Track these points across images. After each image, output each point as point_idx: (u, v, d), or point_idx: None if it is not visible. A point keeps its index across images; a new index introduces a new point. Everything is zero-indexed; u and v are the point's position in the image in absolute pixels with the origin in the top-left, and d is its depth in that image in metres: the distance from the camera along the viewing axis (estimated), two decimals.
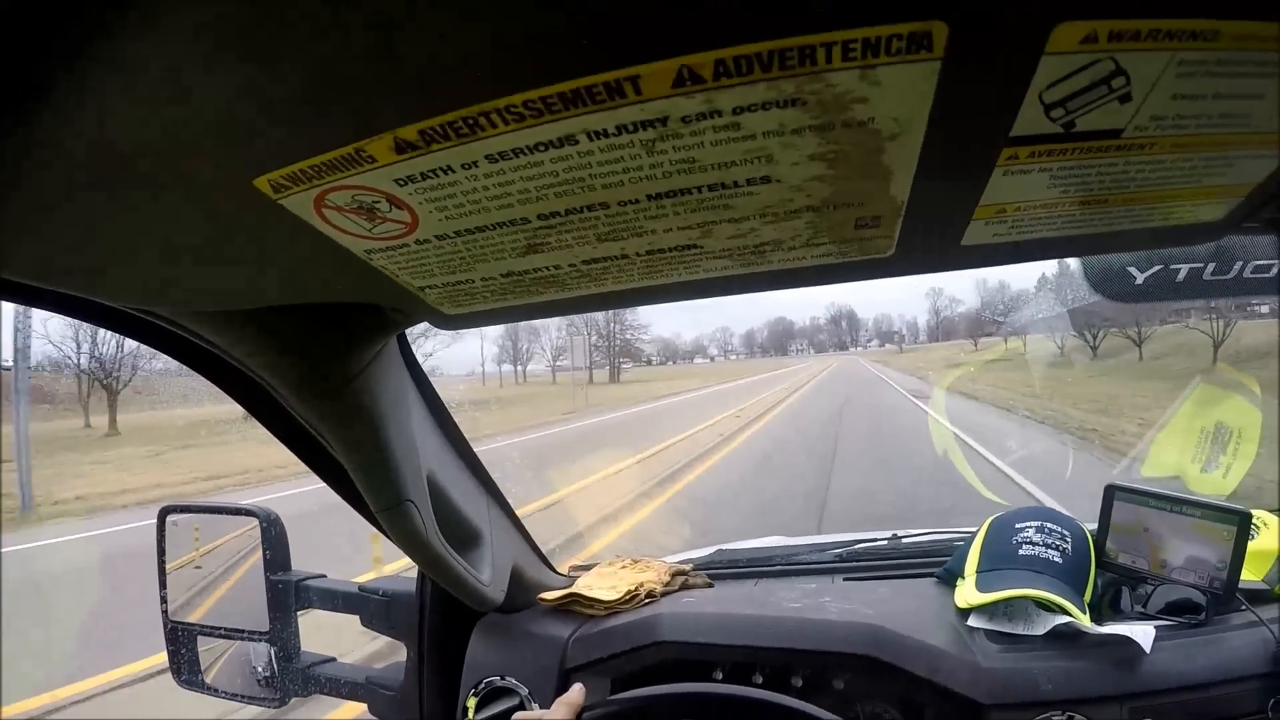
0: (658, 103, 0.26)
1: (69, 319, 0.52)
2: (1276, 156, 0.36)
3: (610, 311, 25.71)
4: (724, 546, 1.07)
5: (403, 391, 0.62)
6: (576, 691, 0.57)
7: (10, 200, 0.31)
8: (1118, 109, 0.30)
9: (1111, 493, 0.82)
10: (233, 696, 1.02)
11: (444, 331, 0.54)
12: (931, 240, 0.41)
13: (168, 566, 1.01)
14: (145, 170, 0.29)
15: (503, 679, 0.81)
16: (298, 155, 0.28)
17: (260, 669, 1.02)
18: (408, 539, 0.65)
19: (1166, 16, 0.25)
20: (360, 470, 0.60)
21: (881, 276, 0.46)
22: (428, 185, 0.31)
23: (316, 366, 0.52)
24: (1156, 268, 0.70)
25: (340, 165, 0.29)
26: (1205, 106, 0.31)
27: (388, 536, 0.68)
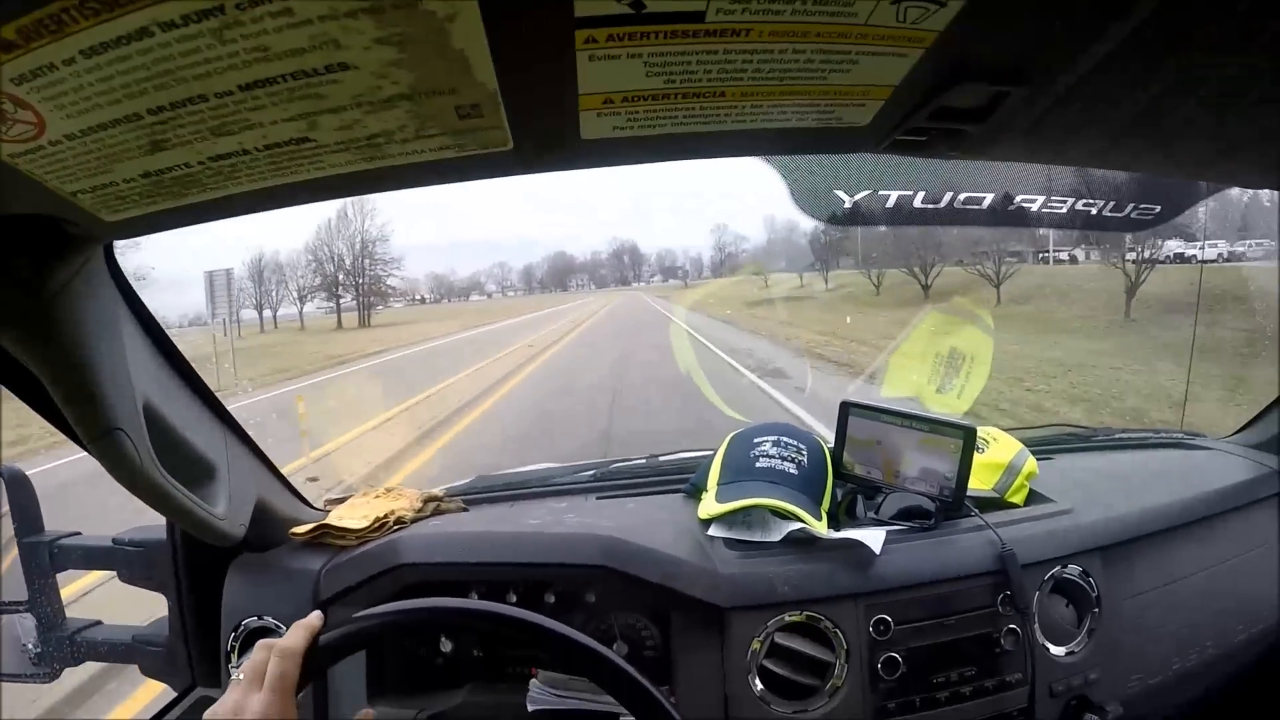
0: None
1: None
2: (903, 55, 0.37)
3: (357, 245, 25.69)
4: (484, 474, 1.10)
5: (111, 315, 0.60)
6: (314, 615, 0.58)
7: None
8: None
9: (846, 408, 0.90)
10: (5, 677, 0.96)
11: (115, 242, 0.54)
12: (547, 133, 0.43)
13: None
14: None
15: (260, 619, 0.79)
16: None
17: (30, 645, 0.95)
18: (121, 470, 0.62)
19: None
20: (64, 398, 0.58)
21: (508, 173, 0.48)
22: (39, 84, 0.33)
23: (2, 285, 0.50)
24: (865, 192, 0.76)
25: None
26: None
27: (104, 467, 0.66)
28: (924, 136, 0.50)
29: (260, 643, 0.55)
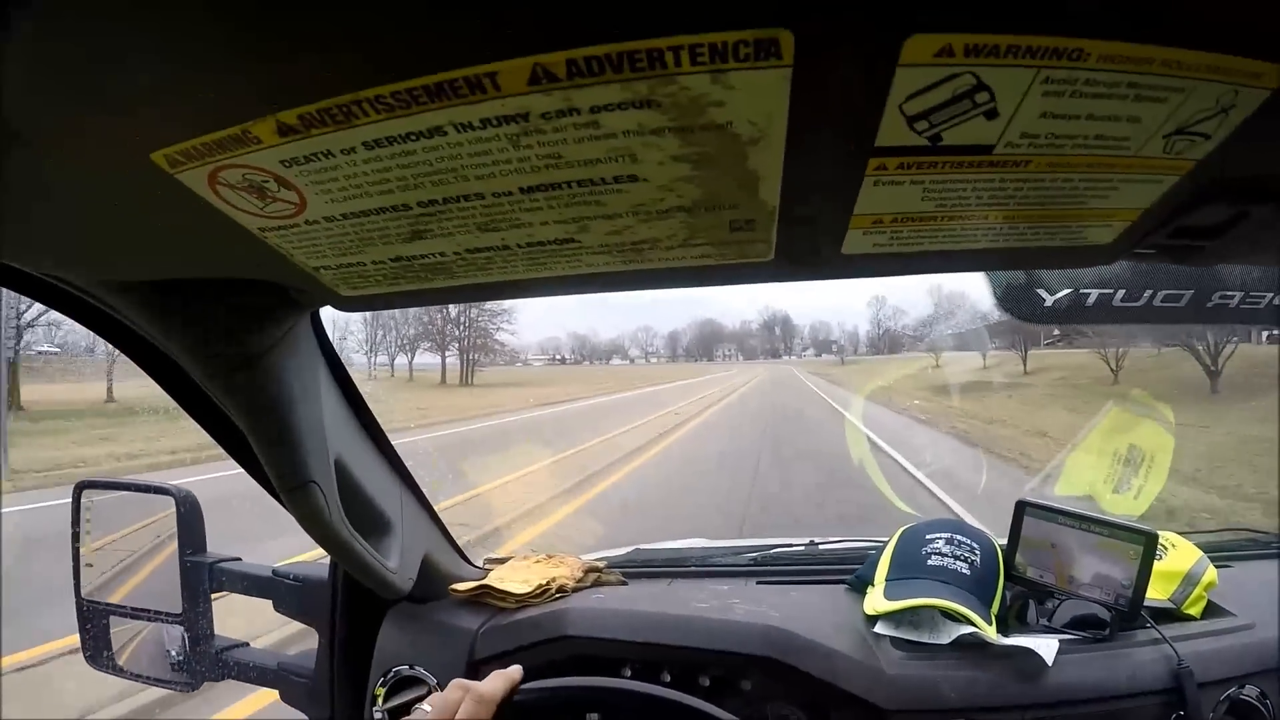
0: (516, 98, 0.28)
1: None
2: (1159, 181, 0.37)
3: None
4: (641, 546, 1.08)
5: (313, 373, 0.63)
6: (515, 669, 0.57)
7: None
8: (985, 124, 0.30)
9: (1022, 508, 0.84)
10: (143, 679, 1.00)
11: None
12: (810, 247, 0.43)
13: (83, 543, 0.98)
14: (46, 138, 0.32)
15: (411, 668, 0.80)
16: (190, 133, 0.31)
17: (173, 652, 0.99)
18: (310, 521, 0.65)
19: (1027, 33, 0.25)
20: (264, 448, 0.60)
21: (762, 281, 0.48)
22: (311, 168, 0.33)
23: (221, 342, 0.53)
24: (1066, 291, 0.72)
25: (229, 144, 0.31)
26: (1078, 127, 0.31)
27: (294, 516, 0.68)
28: (1154, 250, 0.48)
29: (456, 682, 0.55)
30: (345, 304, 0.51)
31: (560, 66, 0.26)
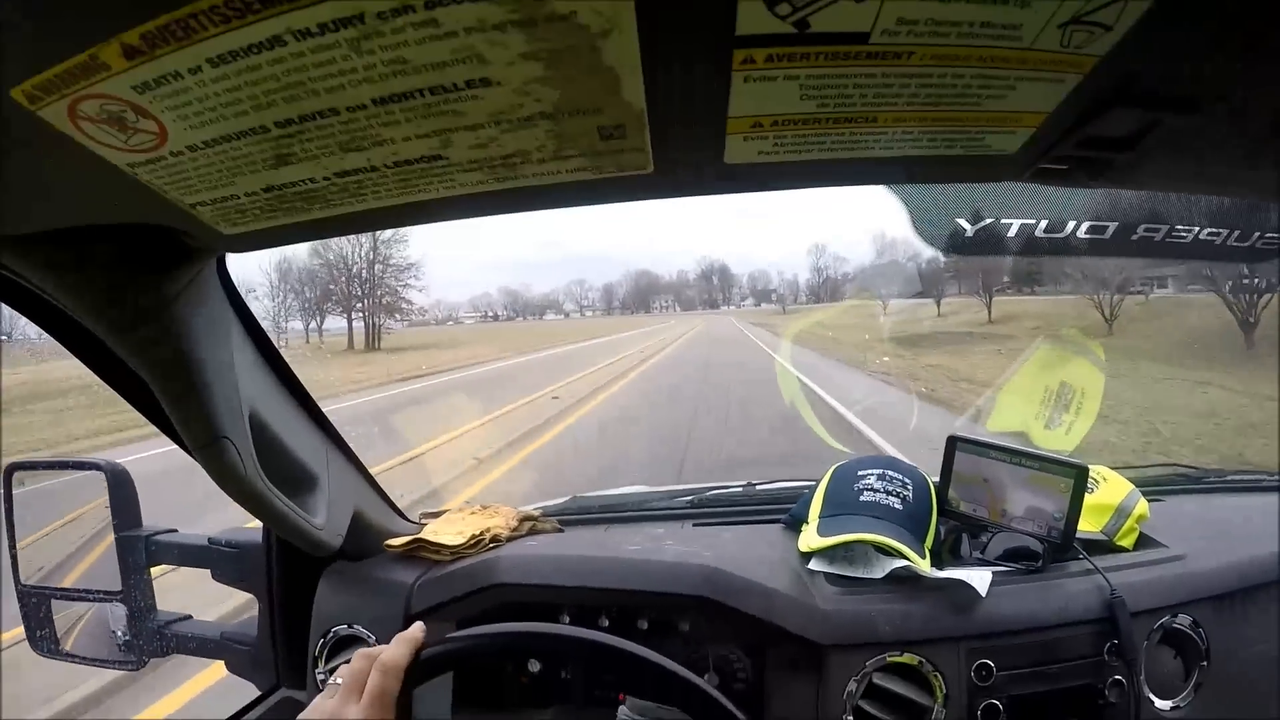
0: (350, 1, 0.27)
1: None
2: (1060, 80, 0.35)
3: (365, 248, 20.79)
4: (579, 495, 1.08)
5: (222, 325, 0.61)
6: (417, 628, 0.57)
7: None
8: (855, 8, 0.29)
9: (953, 443, 0.85)
10: (89, 660, 0.98)
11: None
12: (690, 155, 0.41)
13: (17, 527, 0.96)
14: None
15: (350, 627, 0.79)
16: (42, 63, 0.30)
17: (119, 632, 0.98)
18: (226, 478, 0.63)
19: None
20: (172, 405, 0.59)
21: (645, 196, 0.46)
22: (163, 93, 0.32)
23: (117, 294, 0.51)
24: (987, 220, 0.73)
25: (80, 73, 0.30)
26: (960, 11, 0.29)
27: (209, 474, 0.66)
28: (1066, 165, 0.47)
29: (361, 651, 0.54)
30: (232, 244, 0.50)
31: None
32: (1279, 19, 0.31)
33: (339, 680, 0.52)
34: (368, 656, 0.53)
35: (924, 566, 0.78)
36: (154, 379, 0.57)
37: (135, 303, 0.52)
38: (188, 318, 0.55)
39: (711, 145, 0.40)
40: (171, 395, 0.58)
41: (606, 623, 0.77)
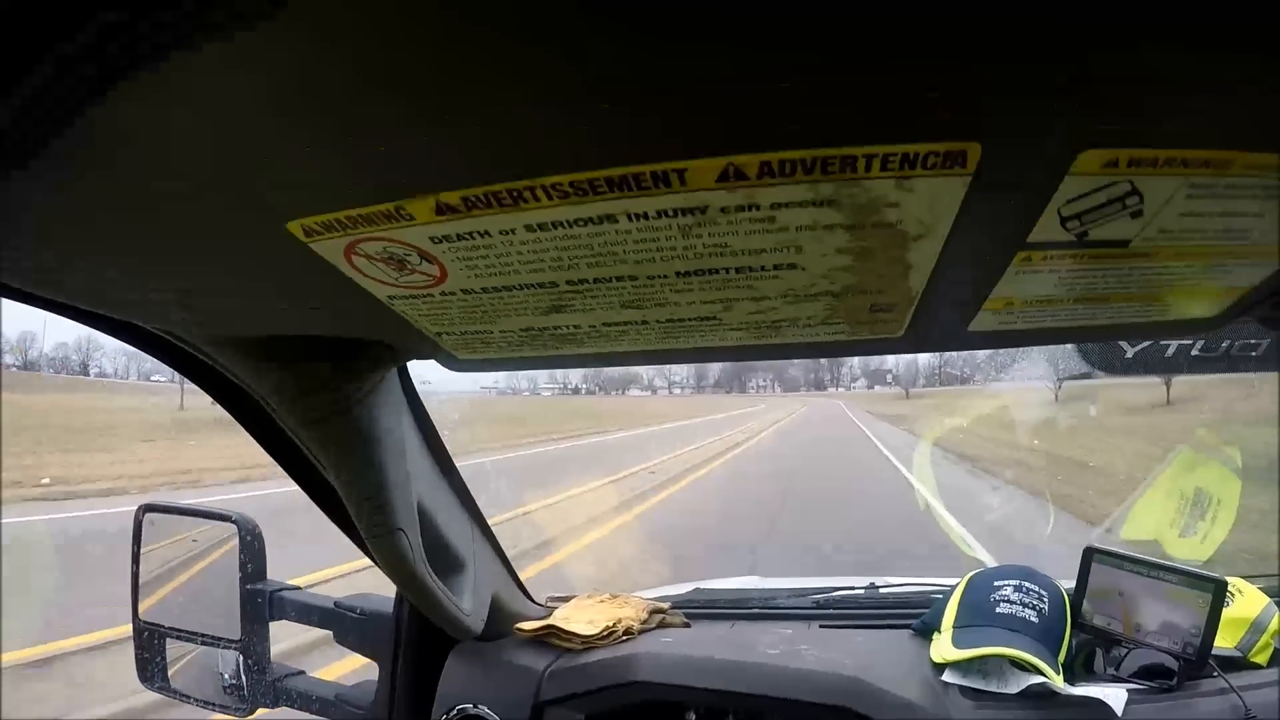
0: (700, 194, 0.27)
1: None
2: (1271, 264, 0.38)
3: None
4: (701, 585, 1.07)
5: (400, 418, 0.62)
6: None
7: (44, 217, 0.30)
8: (1129, 223, 0.31)
9: (1090, 555, 0.83)
10: (198, 702, 1.01)
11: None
12: (940, 326, 0.43)
13: (142, 566, 1.00)
14: (177, 203, 0.29)
15: (475, 707, 0.80)
16: (336, 205, 0.28)
17: (227, 676, 1.00)
18: (395, 566, 0.65)
19: (1186, 147, 0.26)
20: (353, 496, 0.60)
21: (889, 353, 0.48)
22: (462, 245, 0.30)
23: (317, 392, 0.52)
24: (1145, 344, 0.72)
25: (377, 219, 0.29)
26: (1210, 223, 0.32)
27: (374, 562, 0.68)
28: (1254, 318, 0.48)
29: None
30: (455, 365, 0.50)
31: (753, 167, 0.25)
32: None
33: None
34: None
35: (1059, 683, 0.75)
36: (336, 471, 0.58)
37: (331, 398, 0.52)
38: (374, 412, 0.55)
39: (963, 318, 0.42)
40: (352, 487, 0.59)
41: None
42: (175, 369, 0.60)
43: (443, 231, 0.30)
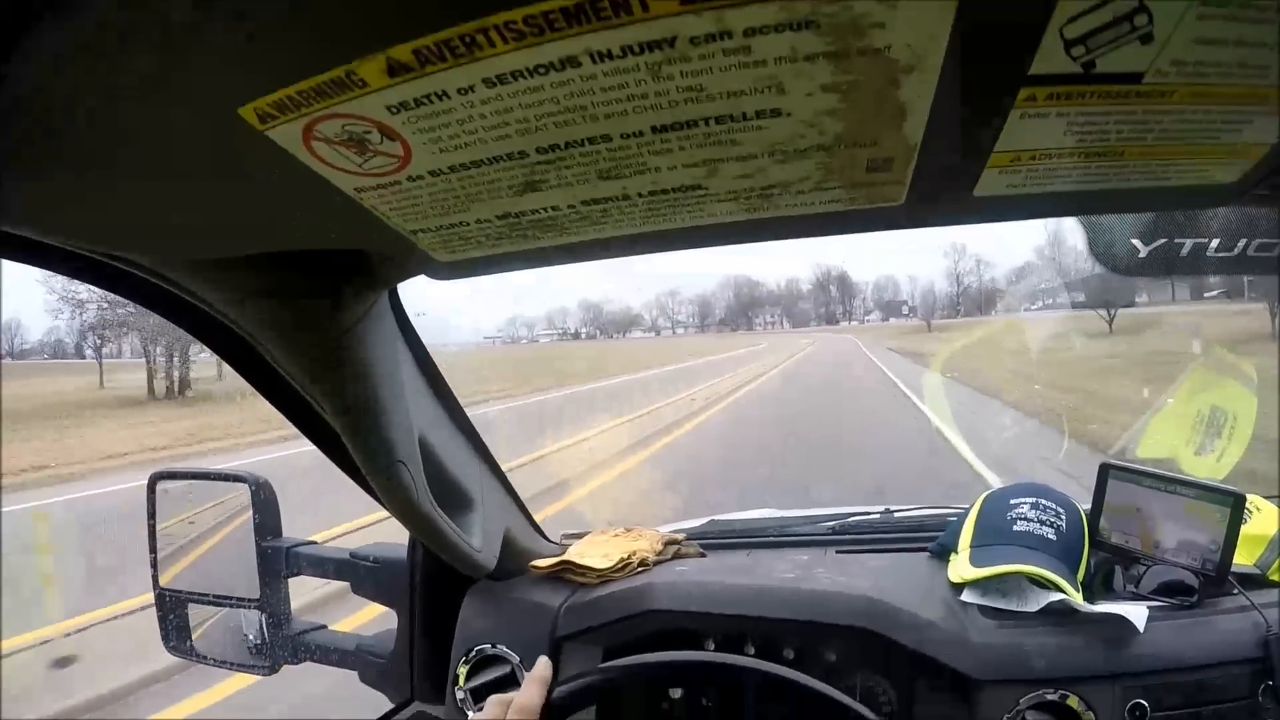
0: (666, 20, 0.25)
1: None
2: None
3: None
4: (717, 517, 1.07)
5: (394, 349, 0.61)
6: (543, 665, 0.57)
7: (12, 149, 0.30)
8: (1139, 50, 0.29)
9: (1106, 471, 0.82)
10: (222, 664, 1.02)
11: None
12: (943, 189, 0.40)
13: (158, 532, 1.00)
14: (122, 99, 0.27)
15: (494, 647, 0.80)
16: (285, 79, 0.27)
17: (251, 636, 1.01)
18: (400, 502, 0.64)
19: None
20: (351, 431, 0.59)
21: (889, 228, 0.45)
22: (422, 113, 0.29)
23: (304, 322, 0.50)
24: (1161, 241, 0.70)
25: (330, 90, 0.27)
26: (1226, 54, 0.30)
27: (378, 500, 0.68)
28: (1273, 190, 0.45)
29: (494, 699, 0.54)
30: (438, 271, 0.47)
31: None
32: None
33: None
34: (503, 703, 0.54)
35: (1079, 600, 0.75)
36: (332, 405, 0.57)
37: (317, 330, 0.50)
38: (367, 344, 0.54)
39: (967, 178, 0.39)
40: (351, 423, 0.58)
41: (752, 650, 0.77)
42: (178, 324, 0.58)
43: (398, 97, 0.28)
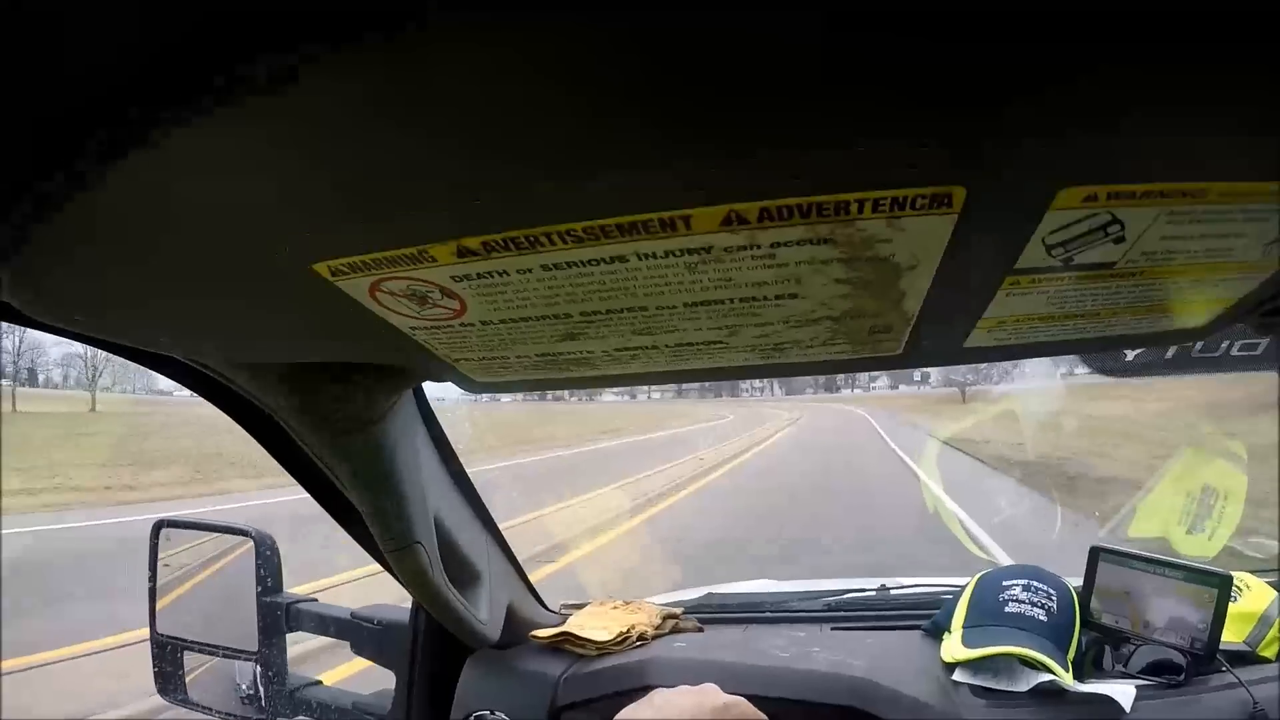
0: (704, 236, 0.28)
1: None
2: (1255, 278, 0.40)
3: None
4: (714, 590, 1.08)
5: (416, 434, 0.64)
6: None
7: (74, 251, 0.31)
8: (1112, 248, 0.33)
9: (1096, 554, 0.84)
10: (217, 713, 1.02)
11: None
12: (937, 343, 0.45)
13: (159, 581, 1.01)
14: (206, 244, 0.30)
15: (493, 713, 0.81)
16: (363, 249, 0.30)
17: (244, 686, 1.02)
18: (414, 579, 0.66)
19: (1162, 181, 0.28)
20: (372, 511, 0.61)
21: (889, 369, 0.50)
22: (481, 283, 0.32)
23: (337, 413, 0.53)
24: (1141, 349, 0.73)
25: (402, 261, 0.30)
26: (1192, 244, 0.34)
27: (394, 576, 0.69)
28: (1244, 325, 0.50)
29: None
30: (472, 387, 0.51)
31: (753, 213, 0.27)
32: None
33: None
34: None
35: (1069, 681, 0.76)
36: (355, 486, 0.59)
37: (350, 419, 0.54)
38: (392, 429, 0.57)
39: (959, 336, 0.44)
40: (371, 502, 0.60)
41: None
42: (192, 389, 0.61)
43: (463, 271, 0.31)
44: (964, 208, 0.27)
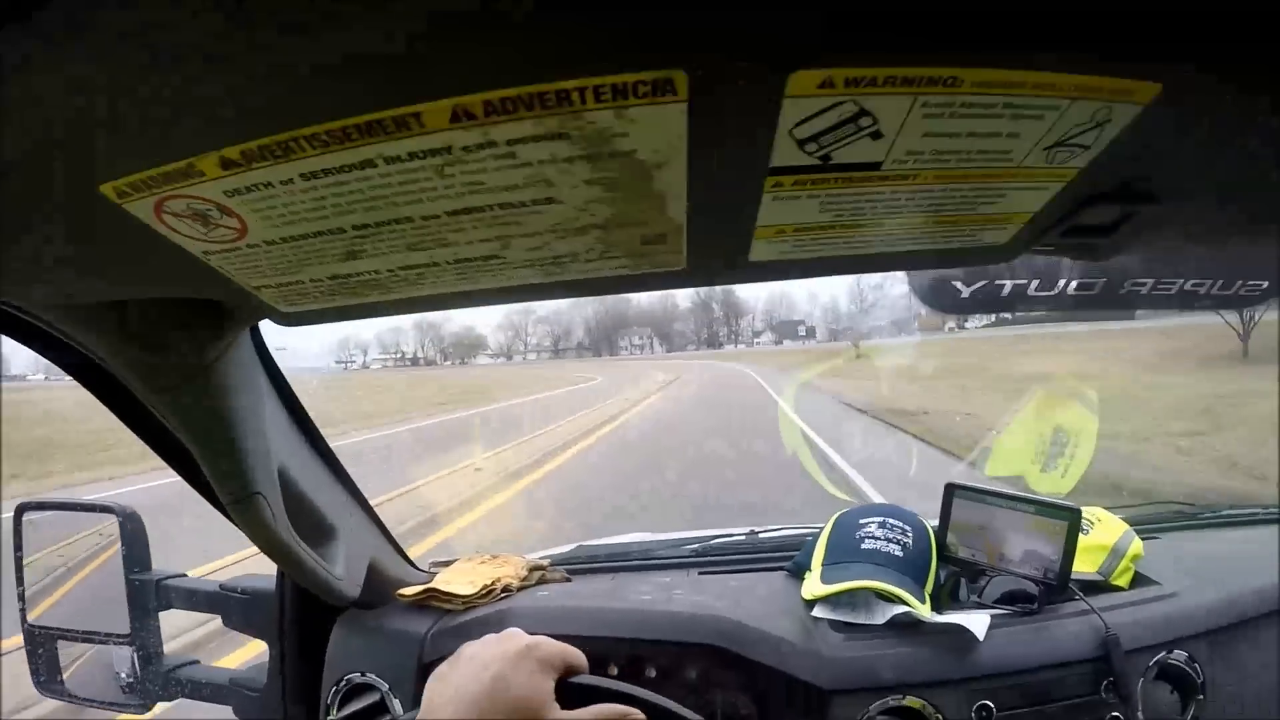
0: (439, 134, 0.30)
1: None
2: (1045, 188, 0.40)
3: None
4: (584, 543, 1.10)
5: (254, 384, 0.63)
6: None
7: None
8: (871, 144, 0.33)
9: (951, 491, 0.88)
10: (94, 703, 0.98)
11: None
12: (720, 256, 0.45)
13: (25, 566, 0.96)
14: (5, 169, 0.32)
15: (363, 675, 0.80)
16: (139, 167, 0.32)
17: (123, 674, 0.98)
18: (256, 531, 0.65)
19: (902, 65, 0.27)
20: (208, 462, 0.61)
21: (677, 286, 0.50)
22: (252, 197, 0.34)
23: (162, 358, 0.53)
24: (981, 283, 0.76)
25: (175, 177, 0.33)
26: (960, 144, 0.33)
27: (238, 527, 0.68)
28: (1052, 247, 0.51)
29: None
30: (284, 319, 0.52)
31: (478, 106, 0.28)
32: (1231, 130, 0.35)
33: None
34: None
35: (924, 612, 0.80)
36: (191, 437, 0.59)
37: (177, 365, 0.54)
38: (226, 379, 0.57)
39: (739, 247, 0.44)
40: (208, 453, 0.60)
41: (615, 671, 0.79)
42: (31, 348, 0.60)
43: (232, 185, 0.33)
44: (691, 94, 0.27)
